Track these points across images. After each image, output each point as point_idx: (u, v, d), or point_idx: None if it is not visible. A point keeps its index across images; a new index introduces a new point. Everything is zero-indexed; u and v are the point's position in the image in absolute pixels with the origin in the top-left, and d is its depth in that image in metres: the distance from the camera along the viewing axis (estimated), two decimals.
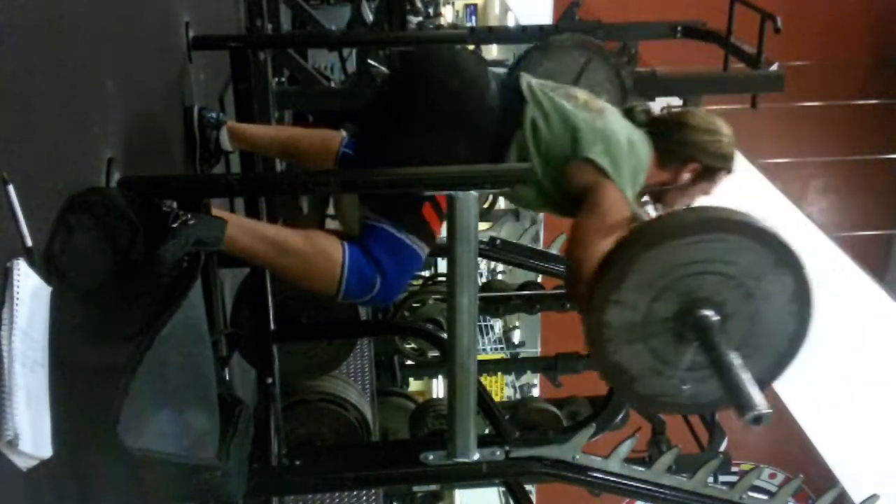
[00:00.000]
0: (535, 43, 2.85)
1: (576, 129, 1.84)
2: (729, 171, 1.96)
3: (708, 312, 1.51)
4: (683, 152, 1.92)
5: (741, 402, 1.38)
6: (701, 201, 1.98)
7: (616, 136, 1.84)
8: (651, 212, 1.96)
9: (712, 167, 1.93)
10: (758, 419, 1.35)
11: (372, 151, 1.95)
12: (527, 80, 1.94)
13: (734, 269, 1.49)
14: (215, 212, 1.65)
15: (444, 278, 5.04)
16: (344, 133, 2.17)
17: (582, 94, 1.96)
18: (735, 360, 1.44)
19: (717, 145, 1.92)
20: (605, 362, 1.59)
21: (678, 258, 1.48)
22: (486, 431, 2.25)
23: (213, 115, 2.24)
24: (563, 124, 1.85)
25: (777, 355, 1.60)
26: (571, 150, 1.83)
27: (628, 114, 1.98)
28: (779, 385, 1.67)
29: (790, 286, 1.52)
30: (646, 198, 2.00)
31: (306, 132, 2.27)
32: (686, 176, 1.94)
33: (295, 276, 1.83)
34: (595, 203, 1.78)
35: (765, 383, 1.60)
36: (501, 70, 2.82)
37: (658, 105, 3.09)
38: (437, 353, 4.08)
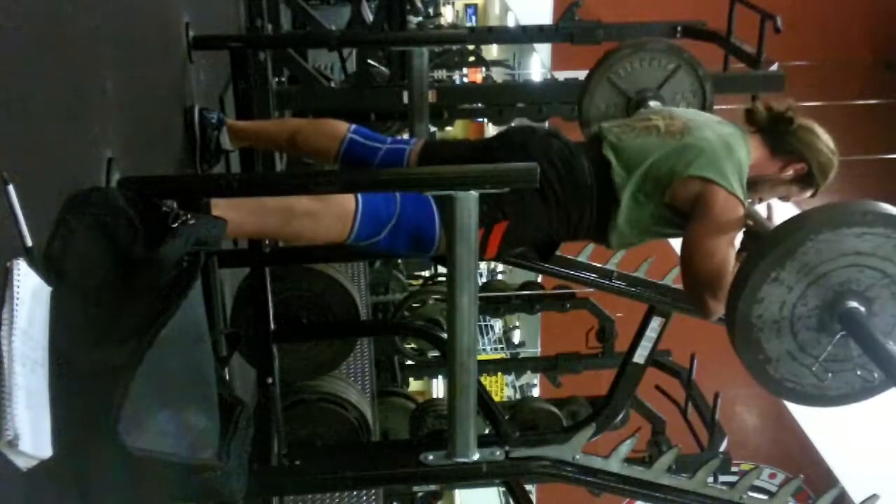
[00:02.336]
0: (629, 40, 2.79)
1: (669, 158, 1.90)
2: (817, 191, 2.04)
3: (856, 304, 1.52)
4: (800, 151, 1.98)
5: None
6: (779, 204, 2.05)
7: (709, 144, 1.90)
8: (761, 208, 2.01)
9: (813, 176, 2.00)
10: None
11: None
12: (608, 144, 1.97)
13: (892, 267, 1.51)
14: (216, 201, 1.64)
15: (444, 278, 5.04)
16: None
17: (659, 118, 2.01)
18: (893, 347, 1.45)
19: (828, 161, 1.99)
20: (746, 339, 1.59)
21: (845, 247, 1.49)
22: (486, 431, 2.25)
23: (214, 115, 2.24)
24: (657, 160, 1.91)
25: None
26: (669, 178, 1.89)
27: (749, 114, 2.04)
28: None
29: None
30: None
31: (308, 120, 2.25)
32: (790, 172, 2.00)
33: (307, 237, 1.80)
34: (705, 210, 1.84)
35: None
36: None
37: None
38: (437, 353, 4.08)
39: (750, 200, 2.00)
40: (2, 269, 1.05)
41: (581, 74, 3.54)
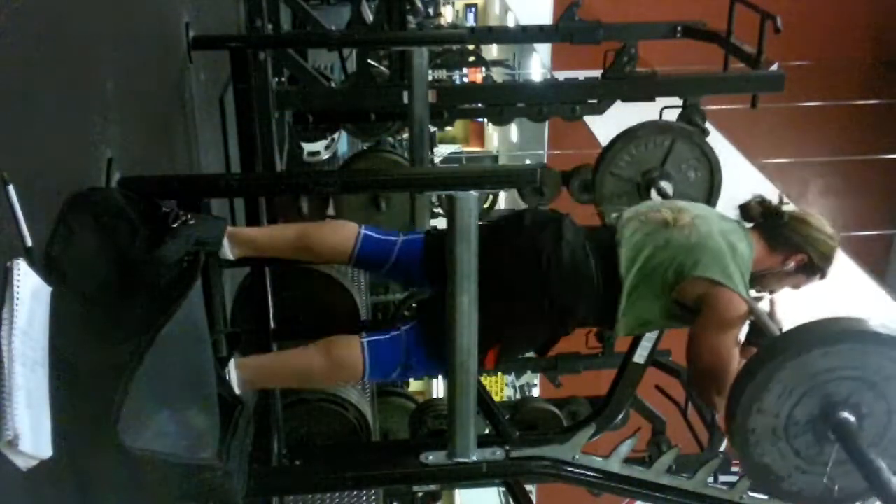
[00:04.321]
0: (619, 134, 2.86)
1: (677, 257, 1.93)
2: (825, 275, 2.06)
3: (846, 414, 1.59)
4: (797, 243, 2.01)
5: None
6: (789, 293, 2.08)
7: (716, 244, 1.93)
8: (764, 301, 2.02)
9: (815, 265, 2.03)
10: None
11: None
12: (622, 239, 1.98)
13: (867, 372, 1.57)
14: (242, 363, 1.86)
15: None
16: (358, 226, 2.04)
17: (668, 211, 2.03)
18: (879, 462, 1.53)
19: (828, 249, 2.03)
20: (752, 464, 1.69)
21: (817, 367, 1.56)
22: (486, 431, 2.25)
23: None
24: (665, 258, 1.94)
25: None
26: (677, 277, 1.92)
27: (744, 210, 2.08)
28: None
29: None
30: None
31: (315, 224, 2.15)
32: (791, 265, 2.02)
33: (320, 387, 2.13)
34: (711, 311, 1.89)
35: None
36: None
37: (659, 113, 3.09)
38: None
39: (759, 294, 2.03)
40: (2, 269, 1.05)
41: (581, 74, 3.54)
